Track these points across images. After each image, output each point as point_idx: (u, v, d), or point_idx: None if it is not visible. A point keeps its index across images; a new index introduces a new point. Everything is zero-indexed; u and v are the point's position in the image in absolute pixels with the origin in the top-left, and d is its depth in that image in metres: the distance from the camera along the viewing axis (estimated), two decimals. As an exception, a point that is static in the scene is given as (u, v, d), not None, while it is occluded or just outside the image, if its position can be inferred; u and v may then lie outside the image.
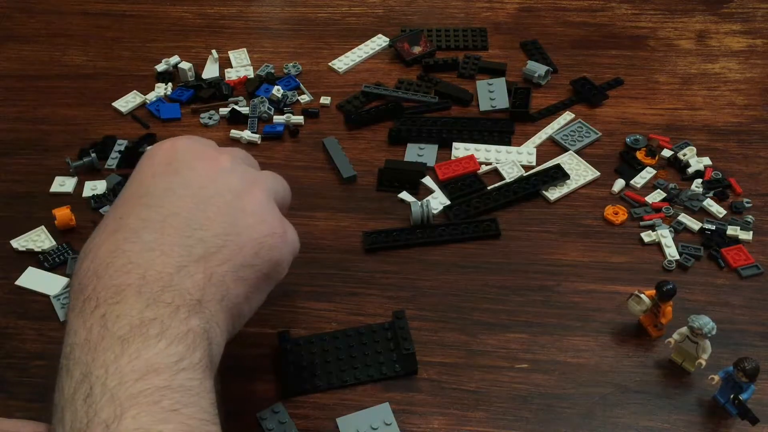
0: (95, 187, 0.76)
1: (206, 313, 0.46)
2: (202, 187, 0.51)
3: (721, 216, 0.72)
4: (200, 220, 0.49)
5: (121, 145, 0.80)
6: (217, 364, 0.47)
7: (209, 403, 0.43)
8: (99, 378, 0.41)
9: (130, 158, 0.78)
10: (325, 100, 0.85)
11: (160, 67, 0.89)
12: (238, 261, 0.49)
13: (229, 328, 0.49)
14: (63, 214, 0.71)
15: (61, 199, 0.75)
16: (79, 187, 0.76)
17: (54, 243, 0.70)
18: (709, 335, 0.57)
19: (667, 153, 0.78)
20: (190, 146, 0.54)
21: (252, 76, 0.89)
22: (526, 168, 0.77)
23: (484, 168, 0.77)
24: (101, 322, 0.43)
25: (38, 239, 0.71)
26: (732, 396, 0.56)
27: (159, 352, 0.42)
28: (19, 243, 0.70)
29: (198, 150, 0.54)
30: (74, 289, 0.47)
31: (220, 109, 0.84)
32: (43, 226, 0.72)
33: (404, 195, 0.75)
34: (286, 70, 0.89)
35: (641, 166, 0.77)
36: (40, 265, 0.69)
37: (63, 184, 0.76)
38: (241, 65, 0.90)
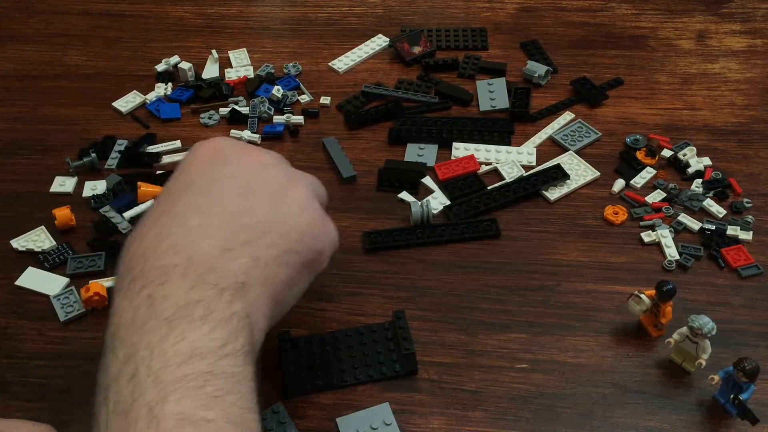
0: (95, 187, 0.76)
1: (249, 297, 0.47)
2: (248, 178, 0.53)
3: (721, 216, 0.72)
4: (245, 207, 0.50)
5: (121, 145, 0.80)
6: (258, 351, 0.48)
7: (250, 390, 0.44)
8: (144, 359, 0.42)
9: (130, 158, 0.78)
10: (325, 100, 0.85)
11: (160, 67, 0.89)
12: (283, 246, 0.50)
13: (271, 314, 0.50)
14: (63, 214, 0.71)
15: (61, 199, 0.75)
16: (79, 187, 0.76)
17: (54, 243, 0.70)
18: (709, 335, 0.57)
19: (667, 153, 0.78)
20: (233, 143, 0.56)
21: (252, 76, 0.89)
22: (526, 168, 0.77)
23: (484, 168, 0.77)
24: (148, 302, 0.44)
25: (38, 239, 0.71)
26: (732, 396, 0.56)
27: (203, 336, 0.43)
28: (19, 243, 0.70)
29: (241, 146, 0.56)
30: (121, 270, 0.48)
31: (220, 109, 0.84)
32: (43, 226, 0.72)
33: (404, 195, 0.75)
34: (286, 70, 0.89)
35: (641, 166, 0.77)
36: (40, 265, 0.69)
37: (63, 184, 0.76)
38: (241, 65, 0.90)
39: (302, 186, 0.55)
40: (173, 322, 0.43)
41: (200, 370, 0.42)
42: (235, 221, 0.49)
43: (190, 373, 0.41)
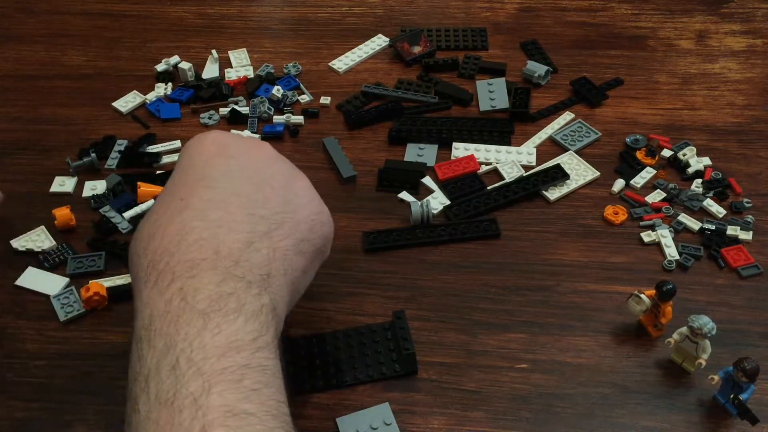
0: (95, 187, 0.76)
1: (273, 288, 0.48)
2: (257, 170, 0.54)
3: (721, 216, 0.72)
4: (260, 199, 0.51)
5: (121, 145, 0.80)
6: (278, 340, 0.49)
7: (281, 383, 0.45)
8: (184, 351, 0.42)
9: (130, 158, 0.78)
10: (325, 100, 0.85)
11: (160, 67, 0.89)
12: (297, 236, 0.52)
13: (289, 304, 0.52)
14: (63, 214, 0.71)
15: (61, 199, 0.75)
16: (79, 187, 0.76)
17: (54, 243, 0.70)
18: (709, 335, 0.57)
19: (667, 153, 0.78)
20: (234, 137, 0.57)
21: (252, 76, 0.89)
22: (526, 168, 0.77)
23: (484, 168, 0.77)
24: (180, 295, 0.45)
25: (38, 239, 0.71)
26: (732, 396, 0.56)
27: (239, 329, 0.44)
28: (19, 243, 0.70)
29: (243, 140, 0.57)
30: (143, 266, 0.48)
31: (220, 109, 0.84)
32: (43, 226, 0.71)
33: (404, 195, 0.75)
34: (286, 70, 0.89)
35: (641, 166, 0.77)
36: (40, 265, 0.69)
37: (63, 184, 0.76)
38: (241, 65, 0.90)
39: (304, 178, 0.57)
40: (208, 315, 0.44)
41: (238, 363, 0.43)
42: (252, 214, 0.50)
43: (230, 366, 0.42)
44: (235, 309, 0.45)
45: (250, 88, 0.87)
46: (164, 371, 0.42)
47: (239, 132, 0.81)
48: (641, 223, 0.72)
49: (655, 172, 0.76)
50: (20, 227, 0.72)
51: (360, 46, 0.92)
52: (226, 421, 0.40)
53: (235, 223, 0.49)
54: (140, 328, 0.45)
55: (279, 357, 0.46)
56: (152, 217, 0.51)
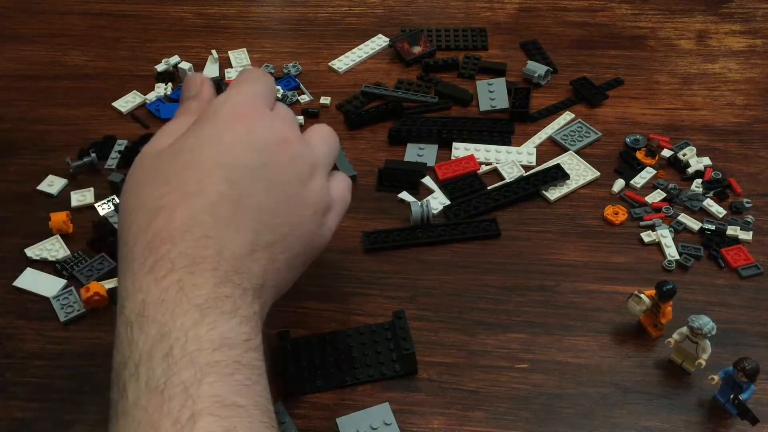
0: (83, 197, 0.74)
1: (263, 298, 0.49)
2: (276, 170, 0.52)
3: (721, 216, 0.72)
4: (271, 206, 0.51)
5: (121, 145, 0.80)
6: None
7: (267, 384, 0.46)
8: (178, 339, 0.42)
9: (130, 158, 0.78)
10: (325, 100, 0.85)
11: (160, 67, 0.89)
12: (294, 250, 0.52)
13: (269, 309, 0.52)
14: (57, 218, 0.70)
15: (60, 199, 0.75)
16: (66, 191, 0.75)
17: (68, 252, 0.69)
18: (709, 335, 0.57)
19: (667, 153, 0.78)
20: (265, 121, 0.53)
21: (252, 76, 0.89)
22: (526, 168, 0.77)
23: (484, 168, 0.77)
24: (177, 286, 0.45)
25: (52, 248, 0.70)
26: (732, 396, 0.56)
27: (232, 329, 0.44)
28: (33, 252, 0.69)
29: (273, 130, 0.53)
30: (139, 244, 0.47)
31: (220, 109, 0.84)
32: (58, 236, 0.71)
33: (404, 195, 0.75)
34: (286, 70, 0.89)
35: (641, 166, 0.77)
36: (58, 274, 0.68)
37: (51, 184, 0.75)
38: (241, 65, 0.90)
39: (319, 177, 0.55)
40: (205, 310, 0.44)
41: (231, 358, 0.43)
42: (261, 220, 0.50)
43: (222, 360, 0.43)
44: (230, 311, 0.45)
45: (250, 88, 0.86)
46: (156, 358, 0.42)
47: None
48: (641, 223, 0.72)
49: (655, 172, 0.76)
50: (19, 227, 0.72)
51: (360, 46, 0.92)
52: (216, 410, 0.40)
53: (244, 225, 0.49)
54: (131, 312, 0.45)
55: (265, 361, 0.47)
56: (160, 179, 0.49)
